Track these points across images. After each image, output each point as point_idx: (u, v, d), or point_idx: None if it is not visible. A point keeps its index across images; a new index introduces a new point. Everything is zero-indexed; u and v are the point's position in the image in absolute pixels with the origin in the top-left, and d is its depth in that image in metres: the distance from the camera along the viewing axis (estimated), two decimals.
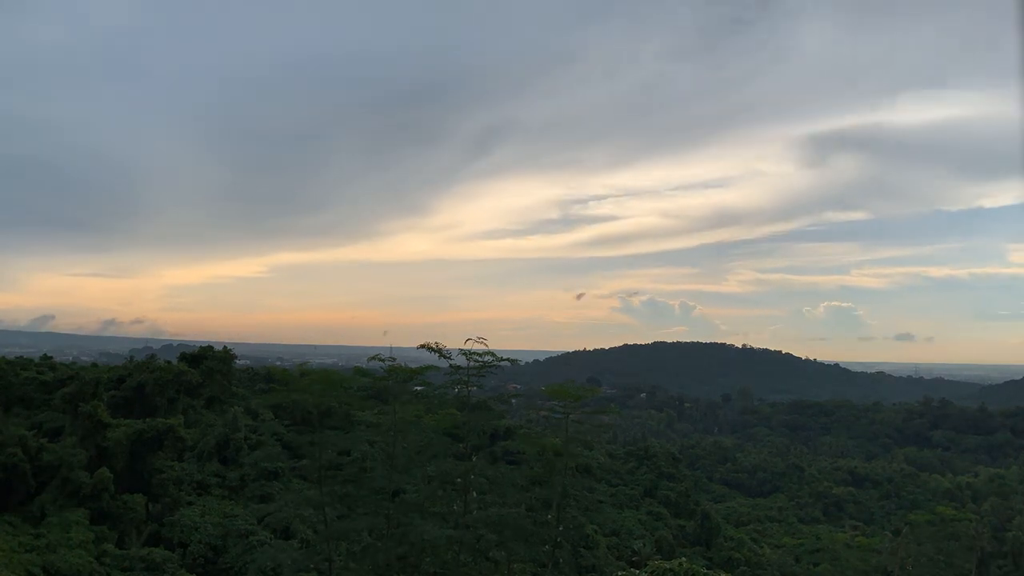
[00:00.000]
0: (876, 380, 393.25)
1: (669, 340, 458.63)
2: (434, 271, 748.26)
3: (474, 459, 22.62)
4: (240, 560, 46.71)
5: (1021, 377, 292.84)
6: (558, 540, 21.70)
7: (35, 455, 50.22)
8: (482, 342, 21.67)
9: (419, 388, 23.45)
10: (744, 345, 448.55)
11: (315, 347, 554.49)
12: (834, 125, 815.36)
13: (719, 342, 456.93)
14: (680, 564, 20.72)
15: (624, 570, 23.56)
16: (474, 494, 21.58)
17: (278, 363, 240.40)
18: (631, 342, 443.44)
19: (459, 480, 21.62)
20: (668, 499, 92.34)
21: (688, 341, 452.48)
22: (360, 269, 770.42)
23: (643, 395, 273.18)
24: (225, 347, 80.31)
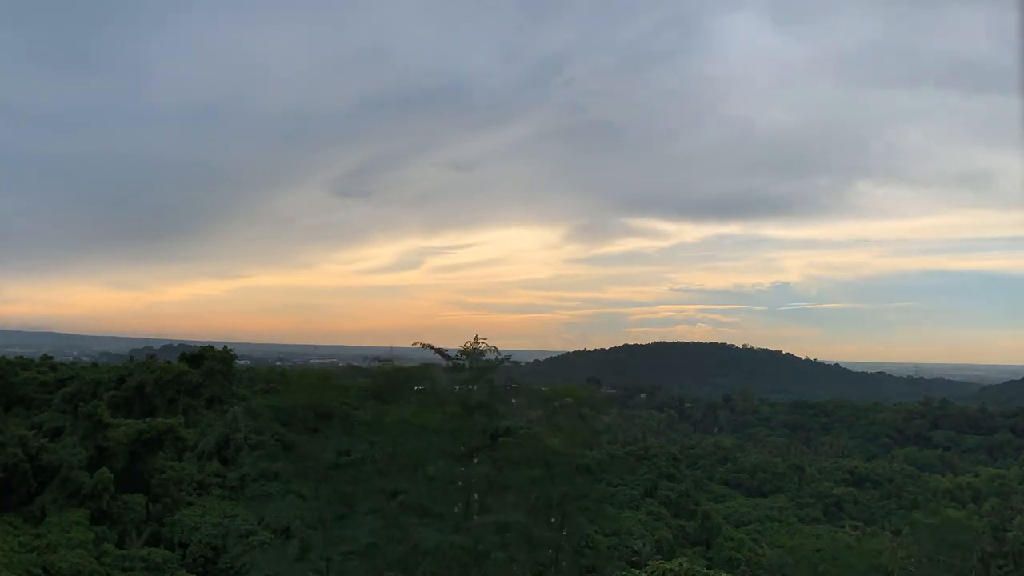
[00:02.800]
0: (876, 380, 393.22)
1: (670, 340, 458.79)
2: (348, 291, 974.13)
3: (475, 460, 22.56)
4: (240, 560, 46.66)
5: (1021, 377, 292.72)
6: (560, 542, 21.66)
7: (35, 455, 50.24)
8: (483, 342, 21.64)
9: (419, 388, 23.40)
10: (744, 345, 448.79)
11: (315, 347, 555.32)
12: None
13: (719, 342, 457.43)
14: (680, 564, 20.73)
15: (625, 570, 23.57)
16: (475, 496, 21.53)
17: (278, 363, 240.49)
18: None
19: (459, 482, 21.57)
20: (668, 499, 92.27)
21: (688, 341, 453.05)
22: (298, 290, 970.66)
23: (643, 395, 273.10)
24: (225, 347, 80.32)
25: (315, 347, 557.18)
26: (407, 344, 23.62)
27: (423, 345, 22.47)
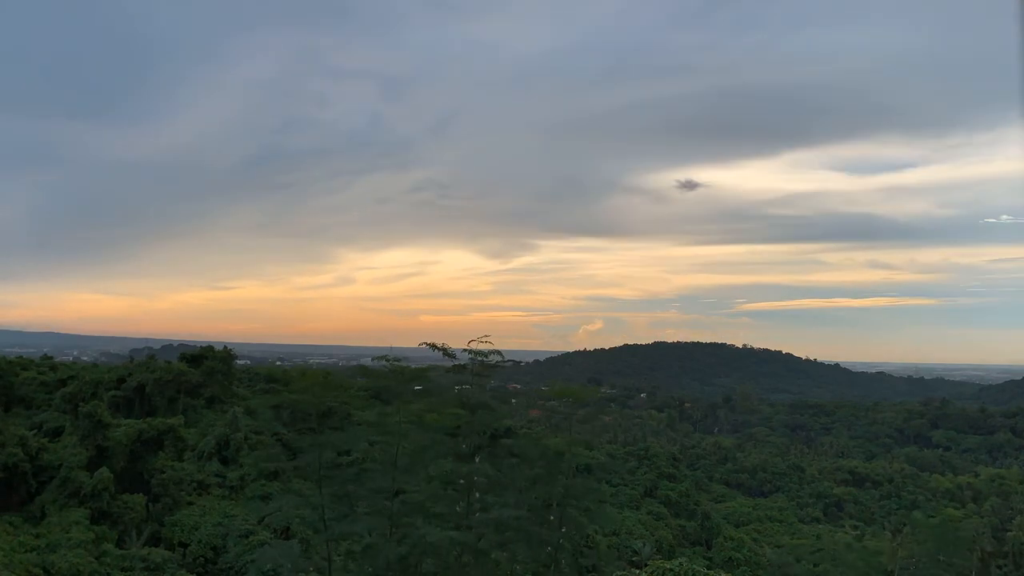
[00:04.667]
0: (876, 380, 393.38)
1: (669, 340, 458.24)
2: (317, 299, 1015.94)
3: (476, 459, 22.54)
4: (240, 560, 46.65)
5: (1021, 377, 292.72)
6: (560, 541, 21.67)
7: (35, 455, 50.23)
8: (486, 341, 21.60)
9: (419, 388, 23.36)
10: (744, 345, 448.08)
11: (315, 347, 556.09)
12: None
13: (719, 342, 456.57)
14: (681, 564, 20.71)
15: (625, 570, 23.58)
16: (476, 495, 21.52)
17: (278, 363, 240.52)
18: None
19: (461, 481, 21.57)
20: (668, 499, 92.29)
21: (688, 341, 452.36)
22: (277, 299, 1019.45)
23: (643, 395, 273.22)
24: (225, 347, 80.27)
25: (312, 347, 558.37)
26: (396, 343, 23.81)
27: (428, 345, 22.40)
